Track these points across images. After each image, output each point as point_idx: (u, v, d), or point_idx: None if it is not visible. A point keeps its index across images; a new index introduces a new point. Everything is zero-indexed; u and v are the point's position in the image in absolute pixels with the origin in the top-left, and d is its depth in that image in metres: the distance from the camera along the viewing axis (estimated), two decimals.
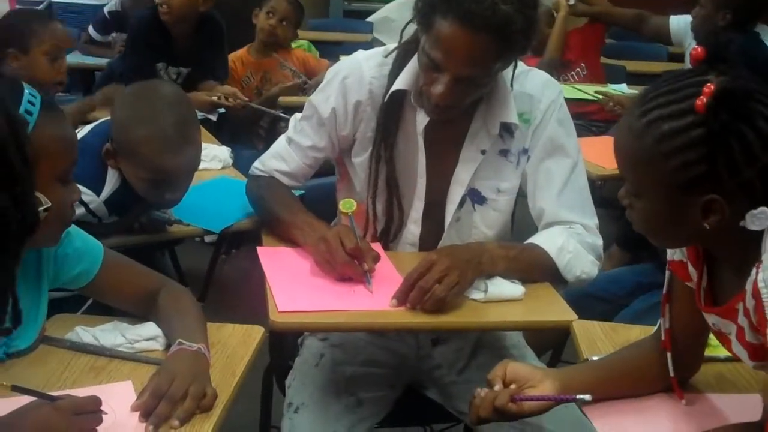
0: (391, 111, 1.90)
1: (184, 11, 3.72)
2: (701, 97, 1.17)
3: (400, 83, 1.86)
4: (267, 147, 2.15)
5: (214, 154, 2.83)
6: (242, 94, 3.83)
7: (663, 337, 1.48)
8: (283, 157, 2.03)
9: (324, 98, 1.95)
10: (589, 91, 4.30)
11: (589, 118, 4.40)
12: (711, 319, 1.39)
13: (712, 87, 1.17)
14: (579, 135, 2.01)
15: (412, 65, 1.84)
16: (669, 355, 1.47)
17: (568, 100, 1.99)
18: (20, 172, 1.25)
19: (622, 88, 4.53)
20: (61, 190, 1.44)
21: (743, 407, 1.46)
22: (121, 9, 4.76)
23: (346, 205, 1.85)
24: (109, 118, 2.14)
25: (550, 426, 1.72)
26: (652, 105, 1.23)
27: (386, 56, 1.92)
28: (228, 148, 2.99)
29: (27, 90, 1.42)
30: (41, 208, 1.34)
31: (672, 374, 1.47)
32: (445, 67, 1.69)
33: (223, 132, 3.68)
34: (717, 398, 1.53)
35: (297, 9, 4.43)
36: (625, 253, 2.93)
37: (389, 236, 1.98)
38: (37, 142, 1.36)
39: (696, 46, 1.25)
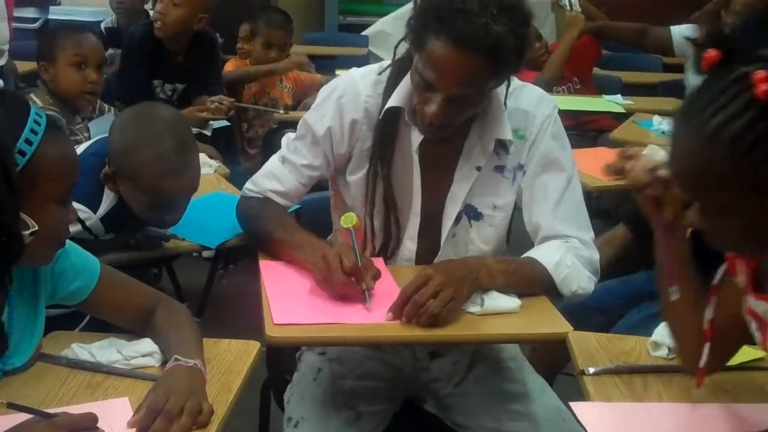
0: (387, 128, 1.90)
1: (178, 28, 3.74)
2: (757, 85, 1.12)
3: (394, 100, 1.86)
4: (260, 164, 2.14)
5: (204, 161, 2.87)
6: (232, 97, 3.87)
7: (705, 328, 1.45)
8: (277, 177, 2.01)
9: (319, 117, 1.95)
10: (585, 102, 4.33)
11: (583, 129, 4.41)
12: (762, 307, 1.34)
13: (764, 73, 1.12)
14: (574, 146, 2.01)
15: (406, 82, 1.84)
16: (708, 345, 1.44)
17: (563, 112, 1.99)
18: (5, 202, 1.25)
19: (617, 99, 4.55)
20: (58, 211, 1.45)
21: (739, 417, 1.46)
22: (118, 25, 4.78)
23: (347, 219, 1.84)
24: (105, 135, 2.14)
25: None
26: (705, 118, 1.18)
27: (380, 73, 1.92)
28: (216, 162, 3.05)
29: (33, 110, 1.42)
30: (28, 232, 1.34)
31: (703, 364, 1.46)
32: (438, 87, 1.70)
33: (218, 148, 3.69)
34: (711, 408, 1.53)
35: (291, 29, 4.46)
36: (629, 233, 2.83)
37: (387, 253, 1.98)
38: (39, 164, 1.37)
39: (708, 50, 1.20)
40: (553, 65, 4.51)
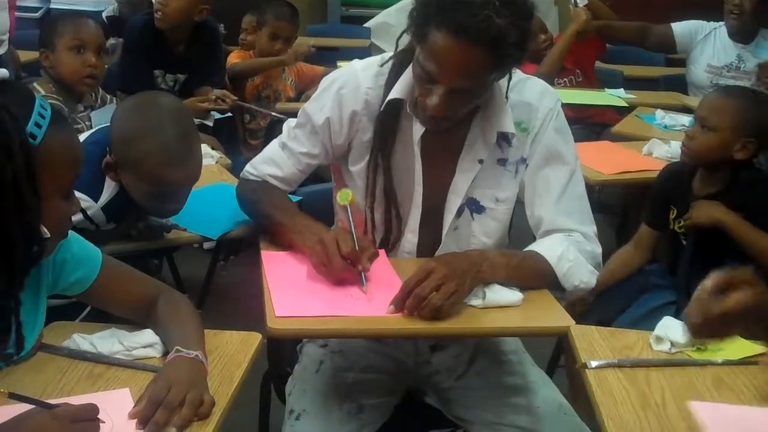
0: (388, 120, 1.89)
1: (178, 19, 3.73)
2: None
3: (396, 92, 1.85)
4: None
5: (205, 151, 2.86)
6: (234, 94, 3.84)
7: None
8: (276, 162, 2.02)
9: (318, 107, 1.95)
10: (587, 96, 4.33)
11: (586, 122, 4.41)
12: None
13: None
14: (577, 139, 2.01)
15: (408, 74, 1.84)
16: None
17: (565, 105, 1.99)
18: (30, 202, 1.24)
19: (620, 93, 4.55)
20: (61, 204, 1.44)
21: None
22: (119, 14, 4.76)
23: (343, 196, 1.84)
24: (106, 124, 2.14)
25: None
26: None
27: (382, 65, 1.92)
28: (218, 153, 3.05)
29: (38, 102, 1.40)
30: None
31: None
32: (440, 79, 1.69)
33: (220, 138, 3.69)
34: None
35: (297, 22, 4.44)
36: (654, 232, 2.80)
37: (388, 245, 1.98)
38: (44, 156, 1.35)
39: None
40: (551, 59, 4.49)
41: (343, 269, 1.73)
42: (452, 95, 1.71)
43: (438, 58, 1.67)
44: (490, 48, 1.63)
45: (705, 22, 4.63)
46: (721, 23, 4.53)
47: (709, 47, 4.55)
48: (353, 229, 1.78)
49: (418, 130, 1.86)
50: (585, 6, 4.59)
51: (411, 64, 1.80)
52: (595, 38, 4.76)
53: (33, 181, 1.25)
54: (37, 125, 1.37)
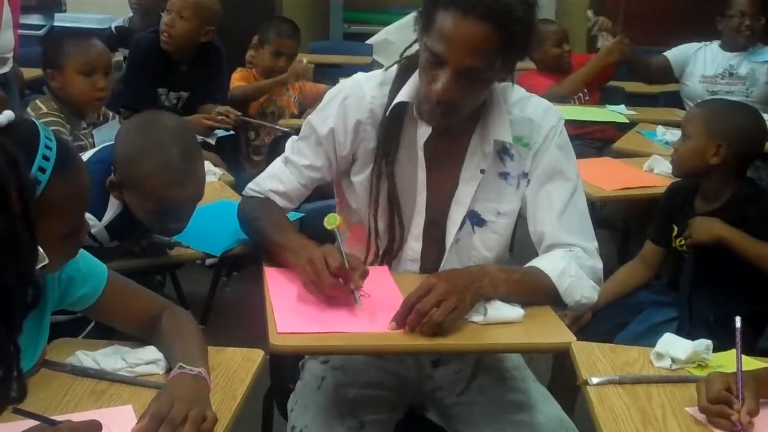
0: (392, 126, 1.91)
1: (185, 41, 3.76)
2: None
3: (402, 95, 1.87)
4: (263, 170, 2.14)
5: (208, 169, 2.87)
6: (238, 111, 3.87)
7: None
8: (278, 177, 2.03)
9: (323, 118, 1.96)
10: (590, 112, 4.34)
11: (588, 139, 4.42)
12: None
13: None
14: (579, 155, 2.02)
15: (414, 79, 1.86)
16: None
17: (568, 122, 2.00)
18: (27, 248, 1.21)
19: (621, 109, 4.56)
20: (71, 238, 1.44)
21: None
22: (130, 24, 4.77)
23: (330, 221, 1.84)
24: (110, 143, 2.15)
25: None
26: None
27: (385, 70, 1.94)
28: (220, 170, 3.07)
29: (43, 143, 1.36)
30: (39, 266, 1.29)
31: None
32: (448, 59, 1.71)
33: (222, 155, 3.70)
34: None
35: (299, 39, 4.47)
36: (660, 249, 2.82)
37: (391, 253, 1.98)
38: (49, 201, 1.33)
39: None
40: (573, 83, 4.53)
41: (332, 286, 1.71)
42: (459, 78, 1.72)
43: (447, 36, 1.69)
44: (496, 24, 1.66)
45: (694, 43, 4.78)
46: (708, 42, 4.71)
47: (701, 61, 4.70)
48: (342, 248, 1.77)
49: (422, 134, 1.87)
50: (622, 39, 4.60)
51: (416, 71, 1.82)
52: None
53: (31, 231, 1.21)
54: (41, 170, 1.34)
